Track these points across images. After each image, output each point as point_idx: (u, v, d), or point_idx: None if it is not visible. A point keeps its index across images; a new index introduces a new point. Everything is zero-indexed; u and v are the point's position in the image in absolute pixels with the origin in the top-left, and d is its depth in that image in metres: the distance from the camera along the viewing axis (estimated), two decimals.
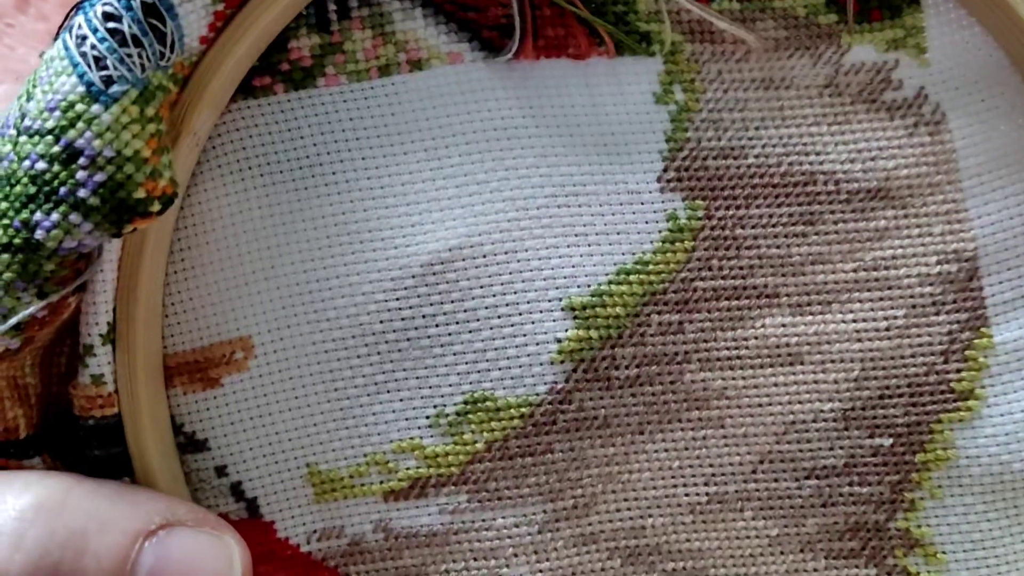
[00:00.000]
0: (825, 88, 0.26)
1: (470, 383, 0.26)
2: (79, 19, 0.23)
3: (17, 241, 0.23)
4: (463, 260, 0.26)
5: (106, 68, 0.23)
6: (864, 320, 0.27)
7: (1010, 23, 0.25)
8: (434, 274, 0.26)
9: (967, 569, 0.27)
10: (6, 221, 0.23)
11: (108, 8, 0.23)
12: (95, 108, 0.22)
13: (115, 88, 0.23)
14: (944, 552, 0.27)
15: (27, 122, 0.23)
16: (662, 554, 0.27)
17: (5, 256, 0.23)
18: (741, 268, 0.26)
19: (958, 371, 0.27)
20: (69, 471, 0.26)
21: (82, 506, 0.24)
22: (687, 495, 0.27)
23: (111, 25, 0.23)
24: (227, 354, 0.26)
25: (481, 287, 0.26)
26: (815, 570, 0.27)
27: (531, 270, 0.26)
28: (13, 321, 0.24)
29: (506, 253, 0.26)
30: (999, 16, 0.26)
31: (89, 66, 0.23)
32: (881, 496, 0.27)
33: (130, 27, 0.23)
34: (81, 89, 0.22)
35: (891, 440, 0.27)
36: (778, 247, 0.26)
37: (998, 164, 0.27)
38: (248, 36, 0.25)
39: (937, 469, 0.27)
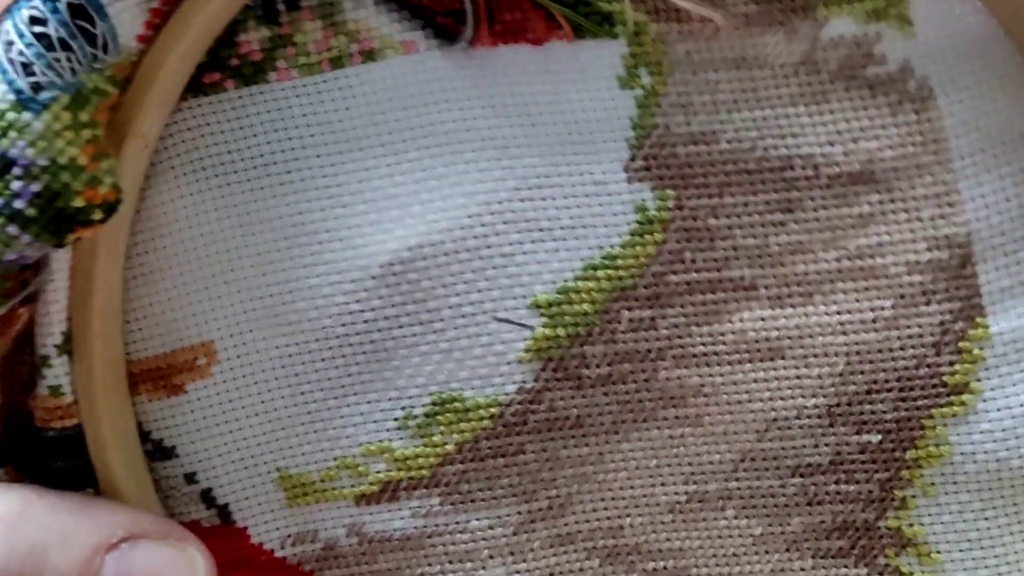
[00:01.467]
0: (801, 65, 0.25)
1: (437, 384, 0.26)
2: (6, 24, 0.22)
3: None
4: (424, 259, 0.25)
5: (34, 74, 0.22)
6: (848, 312, 0.25)
7: None
8: (395, 274, 0.25)
9: (964, 569, 0.26)
10: None
11: (34, 12, 0.22)
12: (25, 116, 0.22)
13: (44, 94, 0.22)
14: (939, 552, 0.26)
15: None
16: (642, 554, 0.27)
17: None
18: (716, 260, 0.25)
19: (951, 364, 0.25)
20: (33, 483, 0.25)
21: (42, 519, 0.23)
22: (666, 495, 0.26)
23: (37, 29, 0.22)
24: (190, 360, 0.26)
25: (444, 287, 0.25)
26: (802, 569, 0.26)
27: (495, 268, 0.25)
28: None
29: (468, 251, 0.25)
30: None
31: (17, 72, 0.22)
32: (870, 494, 0.26)
33: (57, 31, 0.22)
34: (11, 97, 0.22)
35: (880, 437, 0.25)
36: (755, 237, 0.25)
37: (992, 142, 0.25)
38: (191, 32, 0.24)
39: (929, 466, 0.25)
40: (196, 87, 0.25)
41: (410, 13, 0.25)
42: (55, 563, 0.23)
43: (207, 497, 0.27)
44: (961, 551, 0.26)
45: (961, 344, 0.25)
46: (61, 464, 0.25)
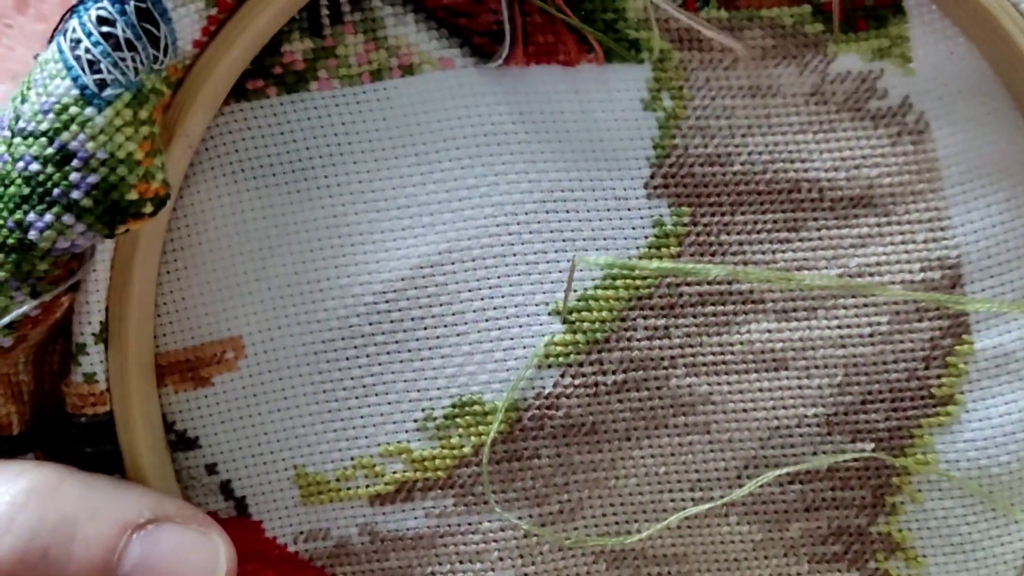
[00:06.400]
0: (811, 96, 0.27)
1: (458, 387, 0.26)
2: (73, 22, 0.23)
3: (11, 241, 0.23)
4: (452, 264, 0.26)
5: (100, 72, 0.23)
6: (848, 326, 0.27)
7: (993, 34, 0.26)
8: (423, 277, 0.26)
9: (947, 572, 0.27)
10: (0, 221, 0.23)
11: (102, 12, 0.23)
12: (88, 111, 0.22)
13: (108, 91, 0.23)
14: (924, 556, 0.27)
15: (21, 124, 0.23)
16: (647, 559, 0.27)
17: None
18: None
19: (939, 377, 0.27)
20: None
21: (74, 494, 0.24)
22: (672, 501, 0.27)
23: (105, 29, 0.23)
24: (218, 354, 0.27)
25: (469, 291, 0.26)
26: (799, 574, 0.28)
27: (519, 275, 0.26)
28: (7, 320, 0.24)
29: (494, 258, 0.26)
30: (983, 27, 0.26)
31: (83, 69, 0.23)
32: (863, 500, 0.27)
33: (124, 31, 0.23)
34: (75, 92, 0.23)
35: (873, 445, 0.27)
36: (763, 253, 0.27)
37: (980, 173, 0.27)
38: (241, 40, 0.25)
39: (917, 473, 0.27)
40: (239, 92, 0.26)
41: (448, 31, 0.26)
42: (83, 536, 0.23)
43: (226, 489, 0.27)
44: (944, 555, 0.27)
45: (948, 359, 0.27)
46: (91, 450, 0.26)
